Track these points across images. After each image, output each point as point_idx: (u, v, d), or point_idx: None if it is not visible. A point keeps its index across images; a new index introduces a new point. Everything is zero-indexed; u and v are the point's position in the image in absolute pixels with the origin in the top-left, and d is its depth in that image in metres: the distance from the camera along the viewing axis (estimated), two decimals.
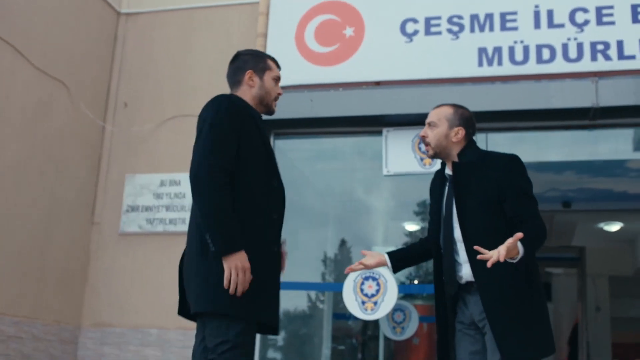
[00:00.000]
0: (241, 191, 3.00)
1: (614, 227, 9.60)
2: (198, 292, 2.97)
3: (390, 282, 5.32)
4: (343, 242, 7.85)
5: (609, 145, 5.88)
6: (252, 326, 2.95)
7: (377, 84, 5.96)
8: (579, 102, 5.18)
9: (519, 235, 2.91)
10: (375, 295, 5.32)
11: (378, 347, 7.62)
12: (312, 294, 7.48)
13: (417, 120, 5.72)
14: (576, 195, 7.57)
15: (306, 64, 6.20)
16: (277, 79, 3.34)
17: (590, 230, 9.59)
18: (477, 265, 3.12)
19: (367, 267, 3.48)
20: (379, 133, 5.76)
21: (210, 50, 6.80)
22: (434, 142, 3.36)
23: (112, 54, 7.01)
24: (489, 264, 2.91)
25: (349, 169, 6.75)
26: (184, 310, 3.19)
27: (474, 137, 3.45)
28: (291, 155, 6.54)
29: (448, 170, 3.40)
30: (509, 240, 2.91)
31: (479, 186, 3.22)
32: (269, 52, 6.33)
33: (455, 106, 3.43)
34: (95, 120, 6.66)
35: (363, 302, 5.33)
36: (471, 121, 3.42)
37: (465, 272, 3.23)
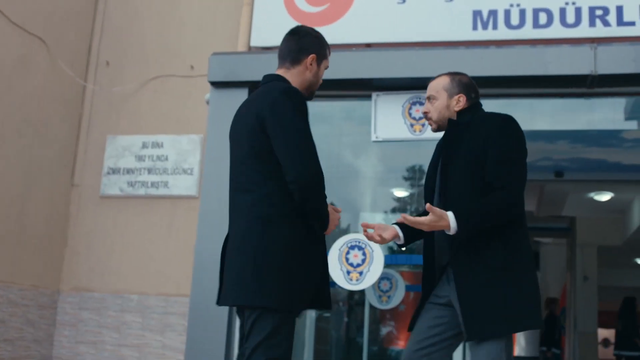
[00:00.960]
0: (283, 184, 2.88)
1: (605, 197, 9.51)
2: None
3: (376, 252, 5.17)
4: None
5: (606, 114, 5.72)
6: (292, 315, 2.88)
7: (368, 46, 5.76)
8: (577, 69, 4.98)
9: (440, 213, 2.86)
10: (360, 265, 5.17)
11: (364, 313, 7.52)
12: None
13: (408, 85, 5.53)
14: (569, 165, 7.43)
15: (295, 24, 5.94)
16: (326, 69, 3.23)
17: (581, 200, 9.48)
18: (455, 243, 2.98)
19: (383, 240, 3.18)
20: (368, 97, 5.56)
21: (197, 7, 6.58)
22: (436, 116, 3.22)
23: (94, 10, 6.75)
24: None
25: (336, 134, 6.56)
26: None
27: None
28: None
29: None
30: (430, 220, 2.86)
31: (467, 146, 3.03)
32: (256, 10, 6.12)
33: (452, 74, 3.28)
34: (75, 79, 6.43)
35: (348, 272, 5.18)
36: (471, 86, 3.26)
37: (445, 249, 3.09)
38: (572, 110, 5.79)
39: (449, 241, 2.99)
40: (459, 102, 3.17)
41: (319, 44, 3.15)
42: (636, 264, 14.65)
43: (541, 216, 9.89)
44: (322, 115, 6.43)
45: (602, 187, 8.76)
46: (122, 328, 6.08)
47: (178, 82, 6.40)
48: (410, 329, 3.16)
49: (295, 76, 3.08)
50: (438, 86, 3.24)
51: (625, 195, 9.49)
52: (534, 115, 5.85)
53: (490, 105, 5.37)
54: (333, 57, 5.61)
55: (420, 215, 3.11)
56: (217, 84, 5.62)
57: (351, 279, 5.18)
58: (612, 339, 22.95)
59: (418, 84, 5.03)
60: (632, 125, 5.93)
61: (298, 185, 2.80)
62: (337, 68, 5.62)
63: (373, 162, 6.80)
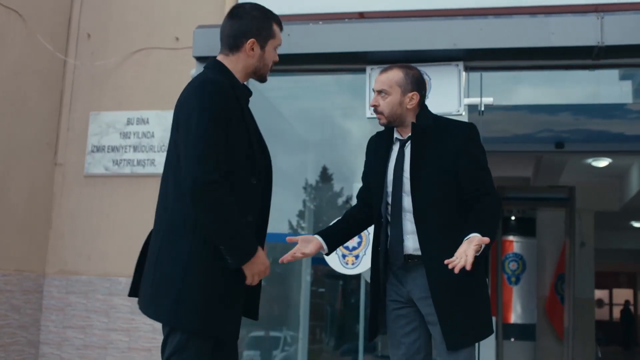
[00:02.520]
0: None
1: (603, 162, 9.34)
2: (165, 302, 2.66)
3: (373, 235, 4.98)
4: (324, 180, 7.54)
5: (611, 86, 5.50)
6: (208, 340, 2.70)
7: (361, 15, 5.49)
8: (582, 40, 4.73)
9: (485, 240, 2.81)
10: (357, 249, 4.96)
11: (360, 289, 7.37)
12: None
13: (403, 58, 5.24)
14: (570, 136, 7.22)
15: None
16: (279, 46, 2.94)
17: (578, 166, 9.31)
18: (425, 238, 3.03)
19: (306, 255, 3.17)
20: (363, 71, 5.29)
21: None
22: (388, 111, 3.12)
23: None
24: (456, 270, 2.75)
25: (329, 109, 6.34)
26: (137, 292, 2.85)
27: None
28: (268, 94, 6.10)
29: (397, 134, 3.18)
30: (474, 244, 2.79)
31: (436, 153, 3.04)
32: None
33: (405, 68, 3.16)
34: (55, 53, 6.14)
35: (344, 256, 4.98)
36: (423, 83, 3.20)
37: (409, 244, 3.07)
38: (576, 82, 5.58)
39: (418, 235, 3.04)
40: (412, 100, 3.11)
41: (260, 25, 2.86)
42: (632, 226, 14.60)
43: (538, 186, 9.74)
44: (315, 91, 6.21)
45: (602, 155, 8.58)
46: (111, 312, 5.90)
47: (163, 54, 6.13)
48: (373, 335, 3.20)
49: (235, 63, 2.83)
50: (391, 81, 3.13)
51: (623, 161, 9.33)
52: (536, 88, 5.64)
53: (493, 78, 5.20)
54: (326, 30, 5.40)
55: (334, 226, 3.39)
56: (202, 59, 5.32)
57: (347, 263, 4.98)
58: (606, 300, 23.21)
59: (414, 57, 4.80)
60: (637, 96, 5.73)
61: (187, 191, 2.58)
62: (329, 41, 5.40)
63: (368, 136, 6.60)
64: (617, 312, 22.74)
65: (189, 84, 2.78)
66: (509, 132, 6.33)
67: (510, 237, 11.02)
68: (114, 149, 6.08)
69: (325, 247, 3.19)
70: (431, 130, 3.11)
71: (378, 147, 3.25)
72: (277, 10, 5.53)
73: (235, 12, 2.89)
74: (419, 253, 3.05)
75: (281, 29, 2.96)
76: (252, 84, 5.71)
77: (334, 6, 5.51)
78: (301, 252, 3.14)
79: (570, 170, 9.37)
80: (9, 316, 5.66)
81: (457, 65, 5.00)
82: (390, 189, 3.14)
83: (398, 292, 3.13)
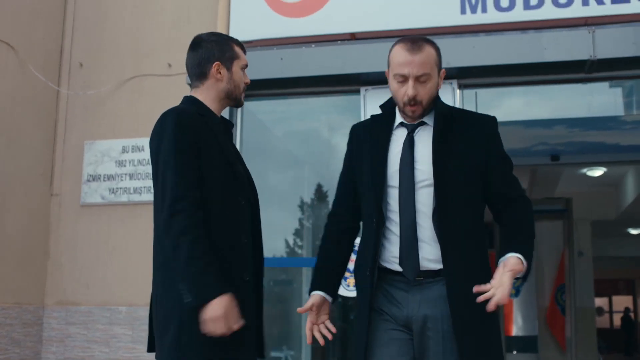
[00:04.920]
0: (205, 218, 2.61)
1: (597, 172, 9.37)
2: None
3: None
4: (320, 199, 7.53)
5: (605, 98, 5.52)
6: None
7: (353, 36, 5.51)
8: (575, 54, 4.76)
9: (519, 269, 2.38)
10: None
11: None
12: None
13: None
14: (565, 148, 7.25)
15: (275, 15, 5.74)
16: (245, 67, 2.90)
17: (574, 176, 9.34)
18: (448, 247, 2.51)
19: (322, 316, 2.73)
20: (357, 92, 5.31)
21: (170, 2, 6.27)
22: (427, 99, 2.61)
23: (63, 9, 6.43)
24: (491, 306, 2.30)
25: (324, 131, 6.34)
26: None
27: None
28: (262, 117, 6.11)
29: (402, 118, 2.68)
30: (509, 270, 2.35)
31: (462, 144, 2.59)
32: (234, 3, 5.87)
33: (434, 43, 2.68)
34: (47, 83, 6.13)
35: (345, 278, 4.97)
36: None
37: (424, 255, 2.54)
38: (569, 96, 5.60)
39: (440, 242, 2.52)
40: (441, 79, 2.67)
41: (219, 48, 2.86)
42: (629, 234, 14.63)
43: (535, 198, 9.74)
44: (309, 113, 6.21)
45: (598, 165, 8.62)
46: (112, 342, 5.85)
47: (156, 81, 6.12)
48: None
49: (207, 91, 2.85)
50: (432, 61, 2.59)
51: (617, 170, 9.36)
52: (530, 102, 5.66)
53: (488, 95, 5.22)
54: (317, 52, 5.42)
55: (327, 270, 2.77)
56: None
57: (348, 285, 4.96)
58: (606, 308, 23.18)
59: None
60: (630, 108, 5.75)
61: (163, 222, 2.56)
62: (321, 63, 5.42)
63: None
64: (617, 320, 22.72)
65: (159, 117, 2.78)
66: (505, 147, 6.34)
67: None
68: (109, 177, 6.06)
69: (330, 300, 2.75)
70: (453, 117, 2.67)
71: (372, 135, 2.72)
72: (270, 34, 5.62)
73: (195, 43, 2.93)
74: (435, 266, 2.54)
75: (244, 50, 2.94)
76: (246, 107, 5.74)
77: (325, 28, 5.53)
78: (322, 322, 2.70)
79: (566, 180, 9.40)
80: (10, 350, 5.61)
81: (451, 83, 5.02)
82: (395, 182, 2.60)
83: (393, 314, 2.61)
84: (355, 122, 2.95)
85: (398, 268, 2.59)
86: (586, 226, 11.33)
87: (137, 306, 5.79)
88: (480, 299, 2.31)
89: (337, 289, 2.79)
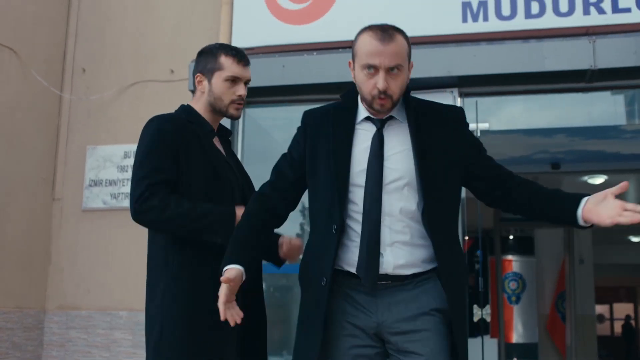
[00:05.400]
0: None
1: (599, 180, 9.38)
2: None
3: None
4: None
5: (605, 107, 5.54)
6: None
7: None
8: (575, 64, 4.79)
9: (623, 184, 2.27)
10: None
11: None
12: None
13: None
14: (565, 157, 7.28)
15: (277, 22, 5.77)
16: (232, 80, 2.85)
17: (575, 184, 9.35)
18: (441, 248, 2.36)
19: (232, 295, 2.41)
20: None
21: (174, 8, 6.30)
22: (399, 92, 2.41)
23: (66, 15, 6.45)
24: None
25: None
26: None
27: None
28: (264, 123, 6.12)
29: (368, 113, 2.46)
30: (613, 197, 2.26)
31: (438, 139, 2.43)
32: (236, 10, 5.88)
33: (404, 33, 2.46)
34: (50, 88, 6.16)
35: None
36: None
37: (389, 259, 2.33)
38: (570, 105, 5.62)
39: (434, 243, 2.36)
40: (409, 72, 2.47)
41: (203, 60, 2.90)
42: (630, 241, 14.63)
43: None
44: None
45: (596, 173, 8.64)
46: (113, 346, 5.86)
47: (158, 87, 6.14)
48: None
49: (197, 102, 2.90)
50: (403, 51, 2.38)
51: (618, 178, 9.35)
52: (530, 111, 5.68)
53: (489, 103, 5.25)
54: (318, 60, 5.44)
55: (245, 247, 2.47)
56: None
57: None
58: (607, 315, 23.17)
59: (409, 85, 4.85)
60: (630, 118, 5.77)
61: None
62: (322, 71, 5.44)
63: None
64: (618, 327, 22.69)
65: None
66: (506, 155, 6.35)
67: (510, 257, 11.06)
68: (111, 182, 6.08)
69: (244, 278, 2.41)
70: (421, 110, 2.49)
71: (333, 127, 2.48)
72: (271, 41, 5.64)
73: (197, 54, 3.00)
74: (405, 272, 2.36)
75: (238, 60, 2.89)
76: (247, 113, 5.77)
77: (327, 35, 5.55)
78: (232, 300, 2.37)
79: (567, 188, 9.37)
80: (10, 354, 5.63)
81: (452, 92, 5.05)
82: (360, 181, 2.38)
83: (358, 324, 2.37)
84: None
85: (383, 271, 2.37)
86: (587, 233, 11.33)
87: (137, 311, 5.80)
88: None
89: (251, 269, 2.47)
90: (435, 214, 2.36)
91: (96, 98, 6.25)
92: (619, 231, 12.39)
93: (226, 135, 3.01)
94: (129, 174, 6.03)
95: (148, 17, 6.35)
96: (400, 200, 2.39)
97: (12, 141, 5.78)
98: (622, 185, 2.25)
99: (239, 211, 2.62)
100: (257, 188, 2.72)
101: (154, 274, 2.73)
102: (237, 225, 2.55)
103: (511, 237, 11.01)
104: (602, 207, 2.26)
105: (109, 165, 6.12)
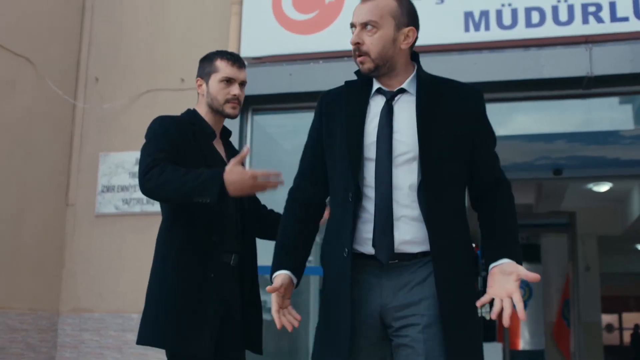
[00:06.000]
0: (176, 215, 2.95)
1: (604, 187, 9.47)
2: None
3: None
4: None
5: (603, 113, 5.66)
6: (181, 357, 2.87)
7: None
8: (572, 71, 4.93)
9: (529, 276, 2.12)
10: None
11: None
12: None
13: None
14: (567, 162, 7.38)
15: (284, 32, 5.93)
16: (227, 80, 3.05)
17: (579, 191, 9.45)
18: (436, 226, 2.27)
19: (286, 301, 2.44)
20: None
21: (184, 18, 6.47)
22: (377, 51, 2.36)
23: (80, 27, 6.64)
24: (505, 322, 2.06)
25: None
26: None
27: None
28: (271, 130, 6.28)
29: (380, 85, 2.43)
30: (514, 279, 2.12)
31: (448, 115, 2.36)
32: (245, 20, 6.05)
33: None
34: (64, 97, 6.34)
35: None
36: (418, 20, 2.49)
37: (399, 236, 2.29)
38: (568, 111, 5.74)
39: (427, 221, 2.27)
40: (408, 37, 2.40)
41: (202, 65, 3.13)
42: (637, 249, 14.64)
43: (540, 212, 9.86)
44: None
45: (601, 179, 8.72)
46: (124, 348, 6.01)
47: (169, 95, 6.30)
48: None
49: (200, 104, 3.13)
50: (382, 10, 2.37)
51: (624, 185, 9.45)
52: (529, 116, 5.80)
53: (489, 109, 5.35)
54: (324, 69, 5.60)
55: (291, 250, 2.47)
56: None
57: None
58: (616, 324, 23.11)
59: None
60: (629, 123, 5.88)
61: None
62: (328, 79, 5.54)
63: None
64: (627, 337, 22.65)
65: None
66: (508, 161, 6.48)
67: None
68: (123, 188, 6.24)
69: (295, 280, 2.46)
70: (437, 85, 2.43)
71: (347, 103, 2.44)
72: (279, 50, 5.79)
73: None
74: (412, 249, 2.30)
75: (233, 63, 3.08)
76: (255, 121, 5.91)
77: (334, 44, 5.69)
78: (285, 307, 2.42)
79: (571, 195, 9.51)
80: (25, 355, 5.78)
81: None
82: (372, 154, 2.34)
83: (361, 310, 2.32)
84: None
85: (371, 251, 2.31)
86: (593, 241, 11.40)
87: None
88: (493, 316, 2.08)
89: (301, 271, 2.47)
90: (432, 191, 2.28)
91: (109, 106, 6.42)
92: (627, 240, 12.43)
93: (227, 136, 3.21)
94: None
95: (159, 28, 6.52)
96: (410, 174, 2.32)
97: (28, 148, 5.95)
98: (533, 277, 2.12)
99: (228, 166, 2.76)
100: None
101: (152, 266, 3.03)
102: (279, 228, 2.55)
103: None
104: (500, 280, 2.16)
105: (121, 172, 6.27)
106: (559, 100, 5.49)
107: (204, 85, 3.09)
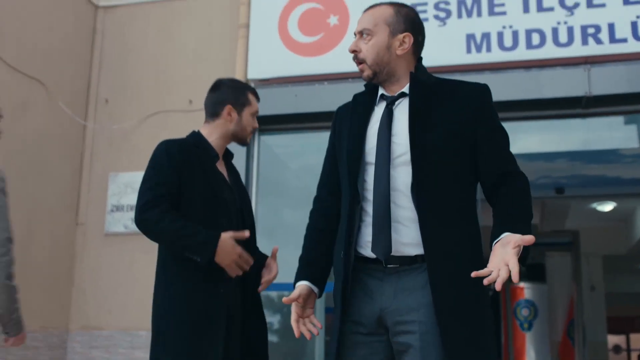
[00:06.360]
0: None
1: (607, 207, 9.52)
2: None
3: None
4: None
5: (602, 132, 5.76)
6: None
7: None
8: (571, 91, 5.04)
9: (527, 239, 2.05)
10: None
11: None
12: None
13: None
14: (568, 181, 7.46)
15: (290, 54, 6.06)
16: (256, 114, 3.25)
17: (583, 211, 9.50)
18: (429, 228, 2.26)
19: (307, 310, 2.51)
20: None
21: (192, 42, 6.63)
22: (372, 57, 2.45)
23: (90, 50, 6.81)
24: (497, 286, 1.96)
25: None
26: None
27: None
28: (277, 150, 6.39)
29: (383, 91, 2.51)
30: (512, 247, 2.03)
31: (444, 113, 2.37)
32: (251, 43, 6.17)
33: (398, 5, 2.53)
34: (75, 118, 6.48)
35: None
36: (420, 25, 2.54)
37: (398, 237, 2.31)
38: (568, 130, 5.83)
39: (420, 223, 2.26)
40: (404, 43, 2.46)
41: (234, 93, 3.23)
42: None
43: (544, 231, 9.90)
44: (323, 147, 6.47)
45: (604, 199, 8.78)
46: None
47: (177, 116, 6.44)
48: None
49: (214, 128, 3.21)
50: (377, 18, 2.48)
51: (627, 204, 9.50)
52: (530, 136, 5.88)
53: None
54: (329, 90, 5.72)
55: (313, 262, 2.52)
56: None
57: None
58: (624, 346, 23.00)
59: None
60: (629, 142, 5.96)
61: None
62: (333, 100, 5.65)
63: None
64: (635, 358, 22.50)
65: None
66: None
67: (521, 284, 11.14)
68: (132, 207, 6.33)
69: (317, 292, 2.51)
70: (435, 87, 2.45)
71: (354, 111, 2.54)
72: (285, 72, 5.91)
73: (215, 85, 3.32)
74: (412, 251, 2.30)
75: (257, 99, 3.28)
76: (262, 141, 6.00)
77: (338, 66, 5.81)
78: (307, 316, 2.49)
79: (575, 215, 9.56)
80: None
81: None
82: (371, 159, 2.39)
83: (362, 310, 2.35)
84: None
85: (371, 254, 2.34)
86: (597, 261, 11.42)
87: None
88: (486, 281, 2.01)
89: (323, 281, 2.52)
90: (425, 192, 2.29)
91: (118, 127, 6.55)
92: (632, 259, 12.44)
93: (229, 158, 3.34)
94: None
95: (167, 51, 6.67)
96: (407, 176, 2.34)
97: (39, 168, 6.08)
98: (529, 239, 2.07)
99: (225, 235, 2.90)
100: (256, 204, 3.05)
101: (156, 283, 3.10)
102: (305, 237, 2.63)
103: None
104: (499, 254, 2.08)
105: (130, 192, 6.39)
106: (559, 120, 5.59)
107: (235, 114, 3.20)
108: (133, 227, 6.25)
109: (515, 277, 1.96)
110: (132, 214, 6.26)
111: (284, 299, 2.41)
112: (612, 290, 12.05)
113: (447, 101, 2.39)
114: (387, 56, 2.45)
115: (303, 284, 2.48)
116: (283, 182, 6.54)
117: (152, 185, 2.96)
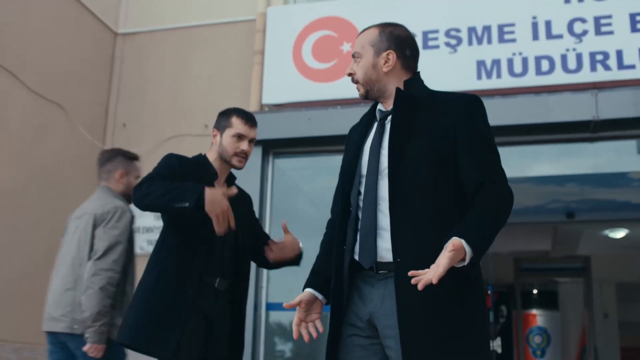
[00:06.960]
0: (167, 238, 3.27)
1: (620, 234, 9.52)
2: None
3: None
4: None
5: (611, 156, 5.82)
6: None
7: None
8: (579, 115, 5.13)
9: (457, 244, 2.12)
10: None
11: None
12: None
13: None
14: (579, 206, 7.49)
15: (304, 80, 6.18)
16: (238, 136, 3.40)
17: (595, 238, 9.50)
18: (401, 236, 2.33)
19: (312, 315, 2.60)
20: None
21: (208, 70, 6.78)
22: (361, 77, 2.59)
23: (109, 75, 6.98)
24: (420, 287, 2.09)
25: None
26: None
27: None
28: (291, 173, 6.49)
29: (381, 106, 2.62)
30: (447, 250, 2.11)
31: (427, 125, 2.43)
32: (266, 69, 6.30)
33: (383, 25, 2.66)
34: (94, 142, 6.62)
35: None
36: (406, 40, 2.63)
37: (382, 245, 2.39)
38: (577, 154, 5.89)
39: (392, 231, 2.34)
40: (388, 60, 2.57)
41: (219, 118, 3.48)
42: None
43: (557, 256, 9.91)
44: (336, 169, 6.56)
45: (615, 224, 8.78)
46: None
47: (193, 141, 6.55)
48: None
49: (211, 150, 3.44)
50: (364, 41, 2.63)
51: (638, 229, 9.50)
52: (539, 160, 5.95)
53: (501, 154, 5.51)
54: (342, 114, 5.82)
55: (319, 270, 2.63)
56: None
57: None
58: None
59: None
60: (637, 166, 6.01)
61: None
62: (346, 124, 5.75)
63: None
64: None
65: None
66: (520, 204, 6.60)
67: (534, 311, 11.13)
68: (148, 229, 6.45)
69: (320, 297, 2.59)
70: (423, 101, 2.51)
71: (357, 131, 2.67)
72: (299, 97, 6.02)
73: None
74: (390, 258, 2.36)
75: (244, 121, 3.42)
76: (276, 164, 6.08)
77: (351, 93, 5.88)
78: (310, 321, 2.57)
79: (587, 241, 9.56)
80: None
81: None
82: (364, 171, 2.50)
83: (358, 313, 2.44)
84: None
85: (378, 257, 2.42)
86: (610, 288, 11.37)
87: None
88: (414, 280, 2.11)
89: (328, 289, 2.56)
90: (400, 202, 2.35)
91: (135, 151, 6.66)
92: None
93: (231, 182, 3.50)
94: None
95: (184, 77, 6.82)
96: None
97: (59, 190, 6.21)
98: (457, 244, 2.15)
99: (209, 188, 3.04)
100: (270, 227, 3.19)
101: (141, 277, 3.32)
102: (320, 248, 2.76)
103: (535, 291, 11.13)
104: (439, 255, 2.18)
105: (146, 214, 6.44)
106: (568, 144, 5.67)
107: (219, 137, 3.42)
108: (148, 248, 6.37)
109: (435, 278, 2.07)
110: (147, 236, 6.42)
111: (285, 304, 2.54)
112: (624, 319, 11.97)
113: (433, 112, 2.46)
114: (374, 74, 2.58)
115: (307, 291, 2.60)
116: (295, 202, 6.63)
117: (150, 174, 3.19)
